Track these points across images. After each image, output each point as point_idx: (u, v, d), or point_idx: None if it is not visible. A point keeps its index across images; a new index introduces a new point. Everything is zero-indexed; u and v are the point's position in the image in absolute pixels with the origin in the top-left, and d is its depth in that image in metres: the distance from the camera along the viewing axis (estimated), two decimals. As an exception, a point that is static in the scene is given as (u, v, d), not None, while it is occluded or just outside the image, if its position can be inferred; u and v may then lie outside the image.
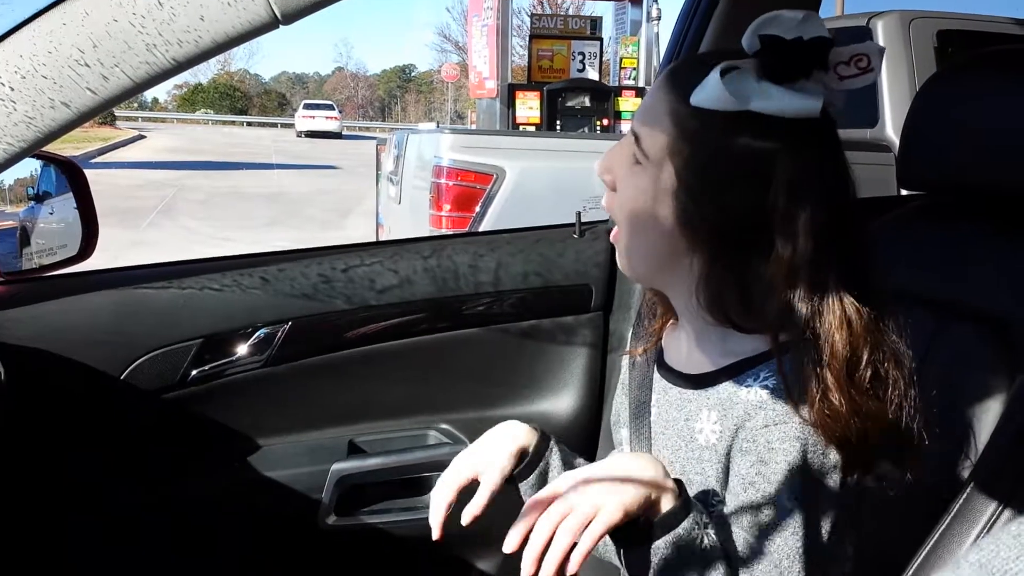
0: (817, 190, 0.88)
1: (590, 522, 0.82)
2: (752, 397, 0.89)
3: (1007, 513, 0.85)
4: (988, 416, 1.03)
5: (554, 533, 0.83)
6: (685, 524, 0.84)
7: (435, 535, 1.02)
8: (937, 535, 0.86)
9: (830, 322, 0.86)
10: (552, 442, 1.07)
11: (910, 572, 0.85)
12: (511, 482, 1.05)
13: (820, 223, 0.86)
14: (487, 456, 1.03)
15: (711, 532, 0.86)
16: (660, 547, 0.84)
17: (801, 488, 0.85)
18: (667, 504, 0.85)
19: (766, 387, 0.88)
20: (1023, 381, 0.99)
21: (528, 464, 1.04)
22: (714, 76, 0.85)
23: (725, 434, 0.91)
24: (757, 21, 0.88)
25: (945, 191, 1.27)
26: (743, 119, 0.86)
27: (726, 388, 0.92)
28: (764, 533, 0.86)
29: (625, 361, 1.14)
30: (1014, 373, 1.02)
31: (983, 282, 1.11)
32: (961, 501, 0.87)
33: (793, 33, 0.86)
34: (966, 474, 0.99)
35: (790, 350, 0.88)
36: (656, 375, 1.04)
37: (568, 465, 1.05)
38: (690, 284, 0.94)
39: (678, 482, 0.87)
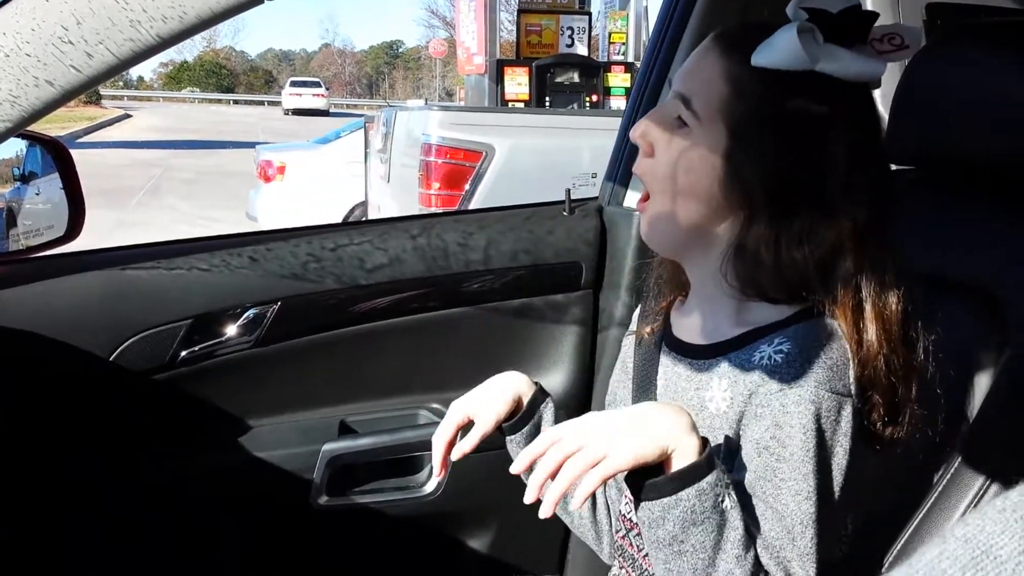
0: (872, 158, 0.91)
1: (599, 463, 0.82)
2: (766, 363, 0.89)
3: (994, 487, 0.85)
4: (977, 390, 1.04)
5: (561, 467, 0.83)
6: (709, 479, 0.83)
7: (437, 473, 1.04)
8: (926, 509, 0.87)
9: (877, 289, 0.88)
10: (549, 399, 1.09)
11: (899, 544, 0.86)
12: (503, 433, 1.07)
13: (880, 190, 0.90)
14: (483, 399, 1.05)
15: (733, 493, 0.85)
16: (682, 499, 0.82)
17: (815, 453, 0.85)
18: (688, 458, 0.83)
19: (780, 352, 0.88)
20: (1011, 355, 1.00)
21: (521, 417, 1.06)
22: (786, 34, 0.86)
23: (737, 400, 0.91)
24: None
25: (934, 165, 1.27)
26: (802, 81, 0.88)
27: (738, 356, 0.92)
28: (777, 497, 0.86)
29: (629, 341, 1.14)
30: (1003, 347, 1.02)
31: (973, 255, 1.12)
32: (949, 475, 0.88)
33: (837, 5, 0.88)
34: (955, 448, 1.00)
35: (809, 316, 0.90)
36: (664, 349, 1.04)
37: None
38: (718, 253, 0.94)
39: (704, 440, 0.86)
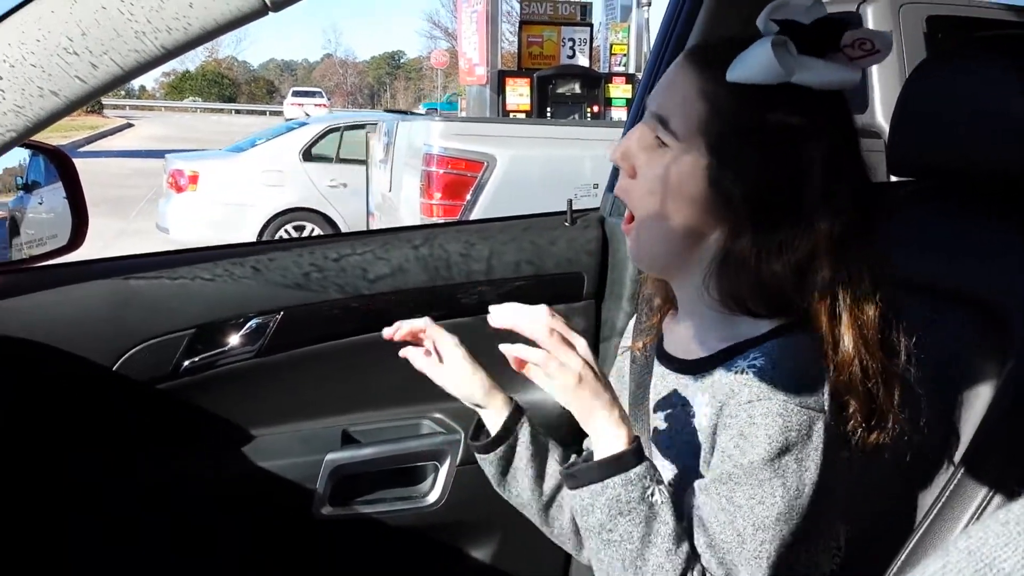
0: (849, 167, 0.91)
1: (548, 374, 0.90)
2: (739, 376, 0.90)
3: (997, 499, 0.85)
4: (979, 401, 1.04)
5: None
6: (636, 470, 0.87)
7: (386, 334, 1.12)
8: (929, 520, 0.87)
9: (853, 298, 0.89)
10: (524, 418, 1.11)
11: (902, 556, 0.86)
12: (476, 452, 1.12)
13: (855, 200, 0.90)
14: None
15: (663, 489, 0.88)
16: (608, 487, 0.86)
17: (774, 462, 0.86)
18: (613, 448, 0.88)
19: (754, 366, 0.89)
20: (1014, 366, 1.00)
21: (496, 439, 1.09)
22: (760, 48, 0.88)
23: (713, 414, 0.93)
24: (769, 7, 0.90)
25: (935, 177, 1.27)
26: (777, 94, 0.89)
27: (719, 371, 0.94)
28: (730, 499, 0.87)
29: (625, 354, 1.15)
30: (1005, 358, 1.02)
31: (973, 266, 1.12)
32: (952, 487, 0.88)
33: (808, 16, 0.89)
34: (956, 460, 1.00)
35: (786, 332, 0.91)
36: (656, 363, 1.05)
37: (536, 441, 1.10)
38: (702, 269, 0.95)
39: (636, 437, 0.90)
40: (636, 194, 0.97)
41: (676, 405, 0.98)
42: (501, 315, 0.92)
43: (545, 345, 0.89)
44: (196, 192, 7.64)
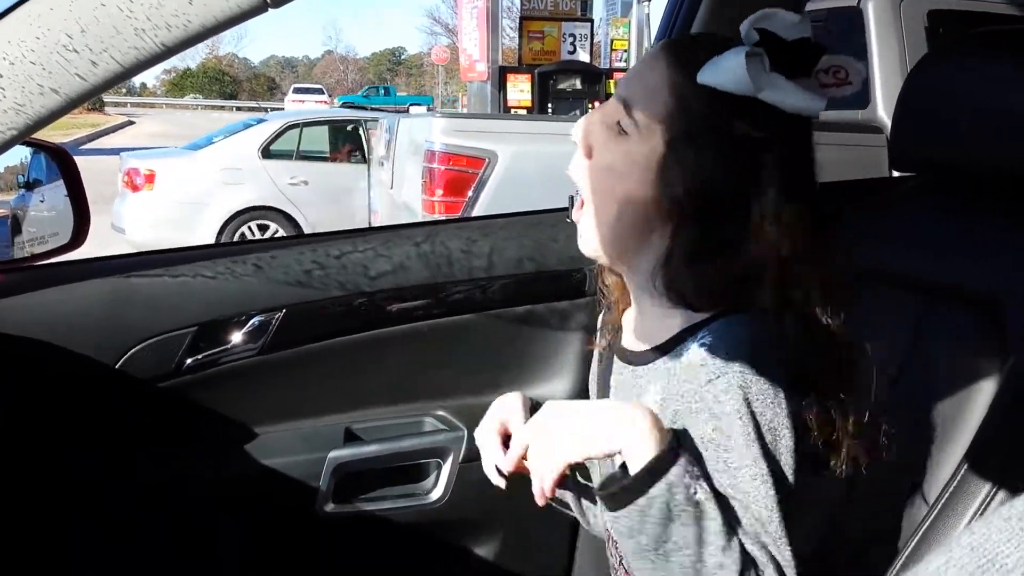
0: (804, 188, 0.92)
1: (550, 459, 0.88)
2: (694, 358, 0.90)
3: (1000, 495, 0.85)
4: (980, 398, 1.04)
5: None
6: (675, 471, 0.82)
7: (502, 483, 1.04)
8: (931, 518, 0.87)
9: (798, 314, 0.89)
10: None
11: (905, 553, 0.86)
12: None
13: (803, 213, 0.90)
14: (506, 411, 1.08)
15: (704, 484, 0.84)
16: (655, 497, 0.82)
17: (756, 436, 0.86)
18: (646, 458, 0.83)
19: (704, 345, 0.89)
20: (1015, 362, 1.00)
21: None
22: (735, 58, 0.87)
23: (669, 401, 0.92)
24: (755, 15, 0.90)
25: (937, 172, 1.27)
26: (745, 104, 0.89)
27: (669, 358, 0.94)
28: (736, 487, 0.86)
29: (595, 354, 1.16)
30: (1005, 355, 1.02)
31: (975, 263, 1.11)
32: (954, 485, 0.88)
33: (791, 33, 0.89)
34: (958, 457, 1.00)
35: (732, 313, 0.91)
36: (615, 360, 1.06)
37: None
38: (650, 262, 0.95)
39: (672, 431, 0.86)
40: (588, 175, 0.98)
41: (631, 397, 0.98)
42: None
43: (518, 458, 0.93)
44: (152, 191, 7.46)
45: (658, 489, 0.82)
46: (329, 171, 8.16)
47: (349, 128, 8.51)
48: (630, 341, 1.03)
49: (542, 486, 0.89)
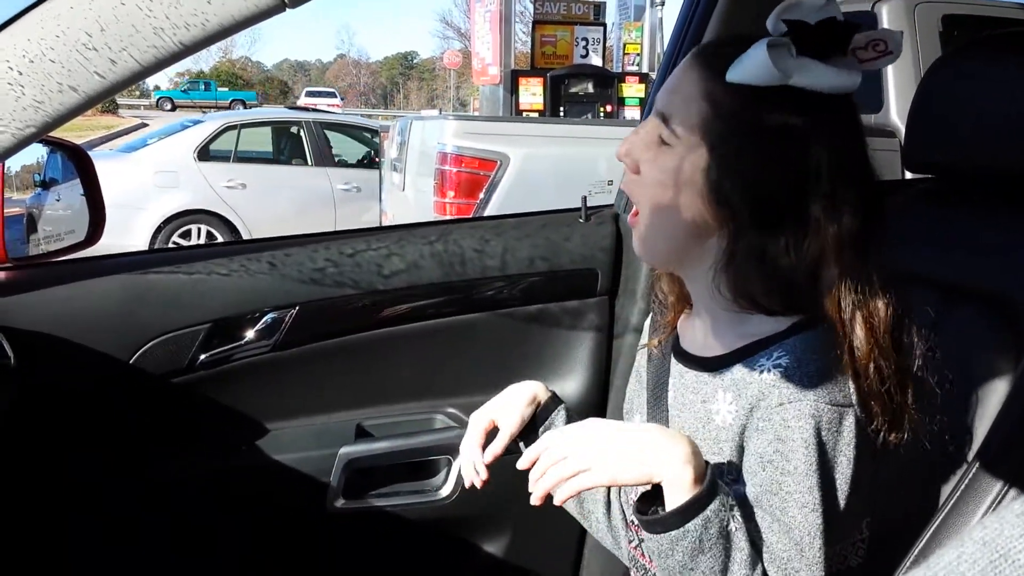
0: (855, 169, 0.91)
1: (578, 475, 0.88)
2: (766, 376, 0.90)
3: (1012, 492, 0.85)
4: (994, 397, 1.04)
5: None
6: (712, 507, 0.84)
7: (467, 483, 1.10)
8: (944, 514, 0.86)
9: (862, 297, 0.89)
10: (561, 406, 1.13)
11: (917, 549, 0.85)
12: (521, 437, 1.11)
13: (862, 201, 0.90)
14: (503, 404, 1.10)
15: (737, 514, 0.86)
16: (689, 531, 0.84)
17: (817, 465, 0.86)
18: (681, 489, 0.85)
19: (779, 366, 0.89)
20: (1029, 363, 1.00)
21: (531, 426, 1.11)
22: (757, 50, 0.87)
23: (740, 414, 0.92)
24: (780, 7, 0.90)
25: (951, 174, 1.27)
26: (778, 95, 0.88)
27: (739, 369, 0.93)
28: (784, 510, 0.87)
29: (642, 353, 1.15)
30: (1020, 355, 1.02)
31: (990, 263, 1.11)
32: (967, 481, 0.87)
33: (818, 17, 0.88)
34: (972, 454, 0.99)
35: (806, 329, 0.91)
36: (672, 361, 1.05)
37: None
38: (710, 266, 0.94)
39: (705, 464, 0.87)
40: (639, 191, 0.98)
41: (696, 403, 0.98)
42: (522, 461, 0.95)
43: (545, 467, 0.91)
44: None
45: (694, 524, 0.84)
46: (269, 173, 8.06)
47: (293, 129, 8.40)
48: (693, 345, 1.03)
49: (550, 493, 0.90)
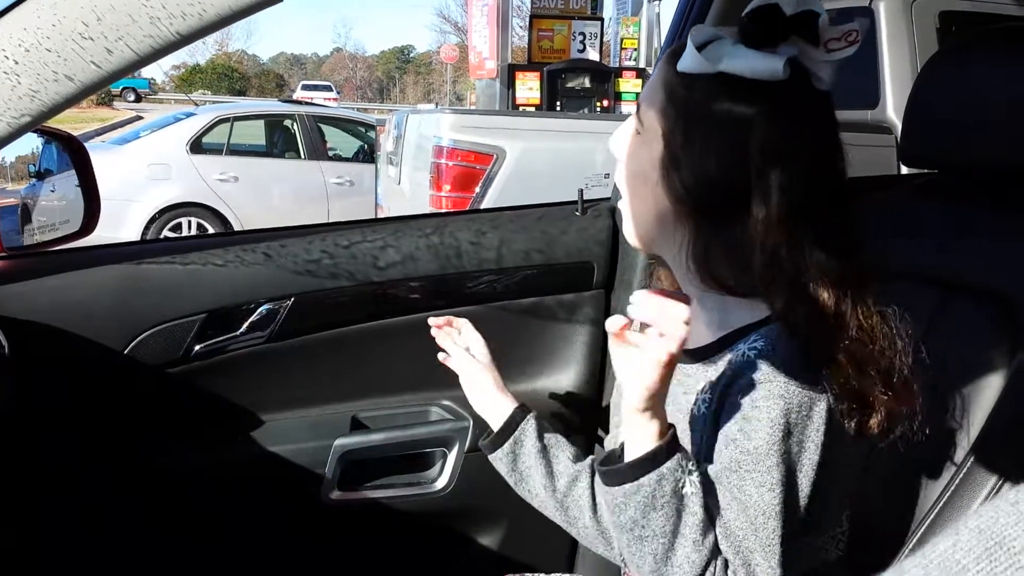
0: (795, 155, 0.89)
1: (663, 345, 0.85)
2: (741, 360, 0.91)
3: (1007, 485, 0.86)
4: (989, 392, 1.04)
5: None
6: (669, 464, 0.86)
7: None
8: (939, 506, 0.87)
9: (815, 280, 0.89)
10: (531, 415, 1.18)
11: (913, 540, 0.86)
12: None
13: (796, 187, 0.88)
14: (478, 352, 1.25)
15: (695, 479, 0.88)
16: (643, 485, 0.86)
17: (779, 446, 0.86)
18: (646, 444, 0.87)
19: (754, 349, 0.90)
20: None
21: (500, 433, 1.17)
22: (689, 41, 0.90)
23: (715, 399, 0.93)
24: (756, 2, 0.90)
25: (948, 168, 1.27)
26: (723, 84, 0.90)
27: (719, 358, 0.94)
28: (741, 488, 0.87)
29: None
30: (1015, 350, 1.02)
31: (986, 258, 1.12)
32: (963, 474, 0.88)
33: (790, 7, 0.89)
34: (967, 448, 1.00)
35: (787, 314, 0.90)
36: None
37: (543, 437, 1.16)
38: (682, 252, 0.95)
39: (668, 425, 0.89)
40: (619, 179, 1.02)
41: (679, 394, 0.99)
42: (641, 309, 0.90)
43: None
44: None
45: (648, 479, 0.86)
46: (262, 166, 8.04)
47: (286, 123, 8.38)
48: None
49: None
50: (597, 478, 0.98)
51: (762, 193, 0.89)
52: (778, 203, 0.88)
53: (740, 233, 0.90)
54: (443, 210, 4.39)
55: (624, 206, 1.02)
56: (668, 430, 0.88)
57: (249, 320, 1.48)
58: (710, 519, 0.88)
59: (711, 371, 0.95)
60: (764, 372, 0.88)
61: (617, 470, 0.88)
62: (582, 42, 8.94)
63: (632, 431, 0.89)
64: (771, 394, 0.87)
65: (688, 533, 0.87)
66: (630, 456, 0.88)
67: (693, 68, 0.91)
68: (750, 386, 0.88)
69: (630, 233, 1.03)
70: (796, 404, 0.87)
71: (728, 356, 0.93)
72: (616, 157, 1.02)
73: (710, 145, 0.91)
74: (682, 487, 0.87)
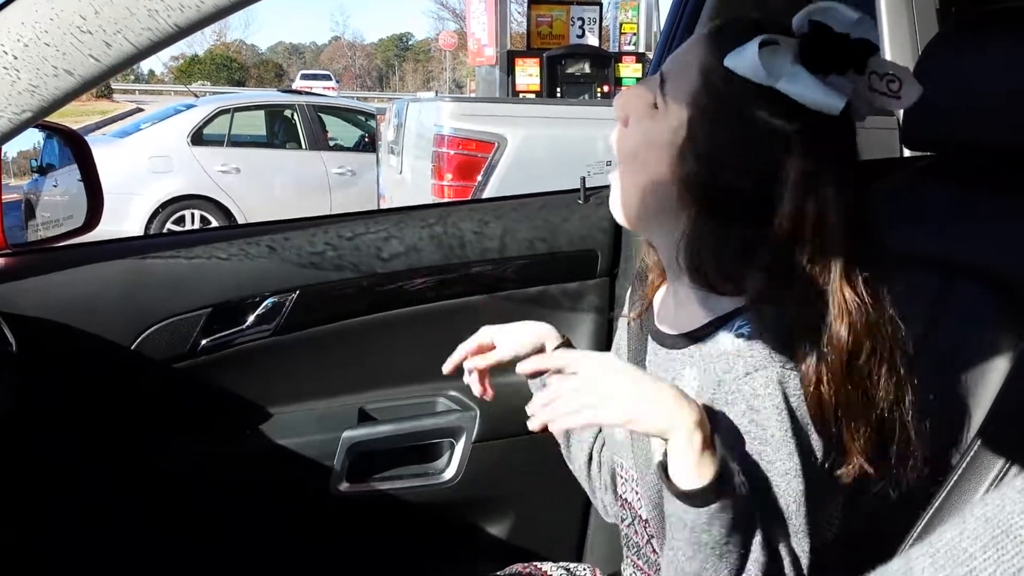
0: (825, 181, 0.88)
1: (588, 408, 0.84)
2: (729, 348, 0.90)
3: (1014, 470, 0.85)
4: (995, 375, 1.04)
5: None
6: (739, 476, 0.83)
7: (446, 369, 1.15)
8: (945, 492, 0.87)
9: (832, 315, 0.87)
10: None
11: (919, 527, 0.86)
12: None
13: (829, 221, 0.88)
14: (511, 332, 1.13)
15: (743, 477, 0.85)
16: (728, 503, 0.81)
17: (792, 432, 0.86)
18: (690, 453, 0.81)
19: (741, 335, 0.89)
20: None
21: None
22: (753, 46, 0.86)
23: (705, 388, 0.92)
24: (813, 6, 0.88)
25: (950, 151, 1.26)
26: (769, 95, 0.87)
27: (704, 345, 0.94)
28: (769, 479, 0.86)
29: (622, 325, 1.15)
30: (1021, 333, 1.02)
31: (990, 241, 1.11)
32: (968, 459, 0.88)
33: (844, 30, 0.87)
34: (972, 434, 1.00)
35: (767, 303, 0.90)
36: (649, 340, 1.05)
37: None
38: (675, 238, 0.94)
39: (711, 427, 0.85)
40: (622, 143, 0.99)
41: (666, 380, 0.98)
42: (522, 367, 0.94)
43: (555, 394, 0.86)
44: None
45: (730, 494, 0.82)
46: (263, 157, 8.00)
47: (287, 113, 8.34)
48: (665, 320, 1.03)
49: (551, 422, 0.86)
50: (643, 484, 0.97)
51: (790, 211, 0.87)
52: (795, 219, 0.87)
53: (736, 236, 0.90)
54: (445, 199, 4.39)
55: (620, 175, 0.99)
56: (712, 434, 0.83)
57: (255, 313, 1.48)
58: (764, 518, 0.86)
59: (695, 355, 0.95)
60: (757, 359, 0.88)
61: (701, 492, 0.81)
62: (581, 27, 8.92)
63: (680, 439, 0.83)
64: (770, 380, 0.87)
65: (757, 541, 0.84)
66: (686, 468, 0.82)
67: (747, 72, 0.87)
68: (747, 376, 0.88)
69: (619, 206, 1.00)
70: (792, 387, 0.87)
71: (711, 343, 0.93)
72: (619, 119, 0.99)
73: (738, 147, 0.89)
74: (742, 491, 0.83)
